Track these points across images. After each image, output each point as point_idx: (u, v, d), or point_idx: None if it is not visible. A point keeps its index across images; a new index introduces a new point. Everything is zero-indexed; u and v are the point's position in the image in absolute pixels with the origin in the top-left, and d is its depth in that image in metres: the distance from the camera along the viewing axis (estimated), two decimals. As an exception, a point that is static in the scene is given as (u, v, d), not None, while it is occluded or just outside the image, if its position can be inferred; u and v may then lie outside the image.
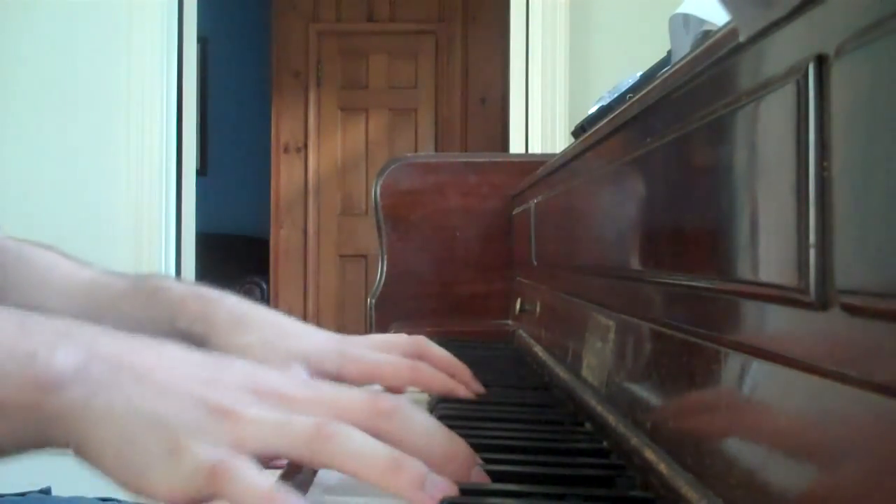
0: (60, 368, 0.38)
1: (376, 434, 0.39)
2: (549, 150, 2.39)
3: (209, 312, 0.64)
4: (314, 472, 0.49)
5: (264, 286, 4.38)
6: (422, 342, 0.69)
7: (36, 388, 0.38)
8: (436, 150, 4.34)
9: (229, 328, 0.64)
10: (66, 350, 0.39)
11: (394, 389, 0.66)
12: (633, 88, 0.98)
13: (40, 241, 0.75)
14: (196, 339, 0.63)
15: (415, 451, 0.39)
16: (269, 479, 0.36)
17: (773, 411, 0.34)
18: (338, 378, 0.64)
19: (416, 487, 0.37)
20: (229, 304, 0.66)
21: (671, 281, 0.48)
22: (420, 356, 0.67)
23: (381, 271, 1.31)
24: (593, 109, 1.13)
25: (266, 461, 0.39)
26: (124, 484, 0.37)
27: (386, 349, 0.67)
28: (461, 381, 0.67)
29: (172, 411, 0.37)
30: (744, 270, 0.37)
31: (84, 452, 0.38)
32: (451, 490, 0.38)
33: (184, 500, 0.36)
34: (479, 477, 0.43)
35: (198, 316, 0.64)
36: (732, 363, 0.38)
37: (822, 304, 0.29)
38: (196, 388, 0.39)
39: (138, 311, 0.66)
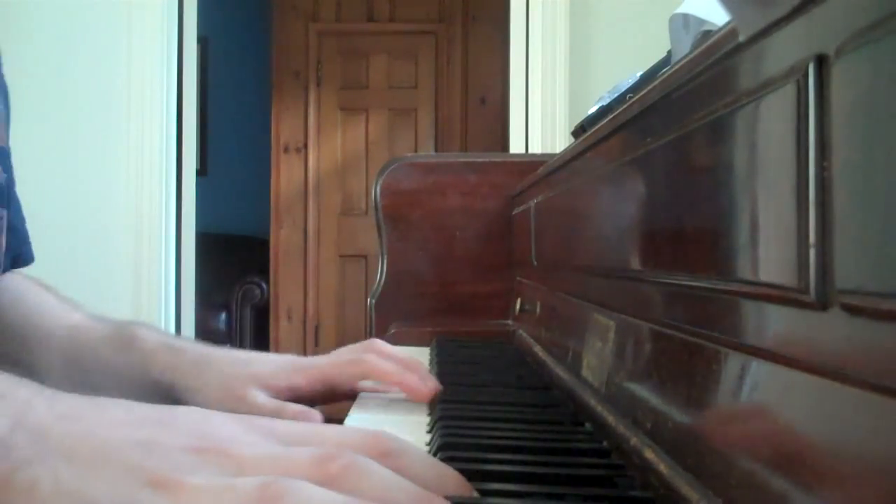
0: None
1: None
2: (549, 150, 2.39)
3: (175, 362, 0.73)
4: None
5: (264, 286, 4.37)
6: (374, 342, 0.76)
7: None
8: (436, 150, 4.34)
9: (191, 373, 0.72)
10: None
11: (350, 387, 0.74)
12: (633, 88, 0.98)
13: (40, 279, 0.83)
14: (165, 386, 0.72)
15: None
16: None
17: (773, 411, 0.34)
18: (289, 389, 0.72)
19: None
20: (192, 352, 0.74)
21: (671, 281, 0.48)
22: (370, 352, 0.74)
23: (381, 271, 1.31)
24: (593, 109, 1.13)
25: None
26: None
27: (337, 356, 0.75)
28: (417, 375, 0.72)
29: (103, 490, 0.33)
30: (744, 270, 0.36)
31: None
32: None
33: None
34: None
35: (166, 366, 0.73)
36: (732, 363, 0.38)
37: (822, 304, 0.29)
38: (132, 455, 0.35)
39: (116, 357, 0.75)
